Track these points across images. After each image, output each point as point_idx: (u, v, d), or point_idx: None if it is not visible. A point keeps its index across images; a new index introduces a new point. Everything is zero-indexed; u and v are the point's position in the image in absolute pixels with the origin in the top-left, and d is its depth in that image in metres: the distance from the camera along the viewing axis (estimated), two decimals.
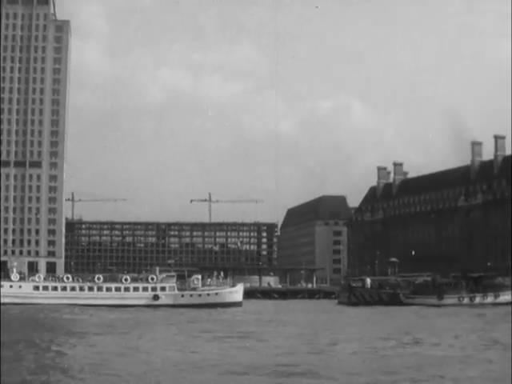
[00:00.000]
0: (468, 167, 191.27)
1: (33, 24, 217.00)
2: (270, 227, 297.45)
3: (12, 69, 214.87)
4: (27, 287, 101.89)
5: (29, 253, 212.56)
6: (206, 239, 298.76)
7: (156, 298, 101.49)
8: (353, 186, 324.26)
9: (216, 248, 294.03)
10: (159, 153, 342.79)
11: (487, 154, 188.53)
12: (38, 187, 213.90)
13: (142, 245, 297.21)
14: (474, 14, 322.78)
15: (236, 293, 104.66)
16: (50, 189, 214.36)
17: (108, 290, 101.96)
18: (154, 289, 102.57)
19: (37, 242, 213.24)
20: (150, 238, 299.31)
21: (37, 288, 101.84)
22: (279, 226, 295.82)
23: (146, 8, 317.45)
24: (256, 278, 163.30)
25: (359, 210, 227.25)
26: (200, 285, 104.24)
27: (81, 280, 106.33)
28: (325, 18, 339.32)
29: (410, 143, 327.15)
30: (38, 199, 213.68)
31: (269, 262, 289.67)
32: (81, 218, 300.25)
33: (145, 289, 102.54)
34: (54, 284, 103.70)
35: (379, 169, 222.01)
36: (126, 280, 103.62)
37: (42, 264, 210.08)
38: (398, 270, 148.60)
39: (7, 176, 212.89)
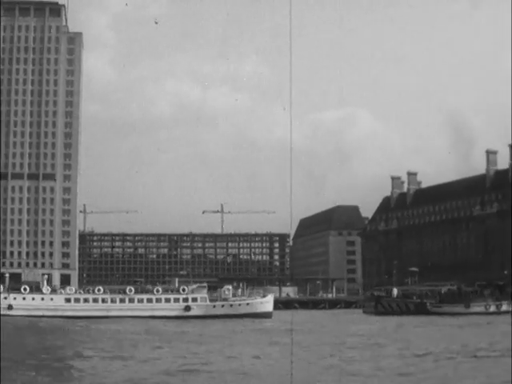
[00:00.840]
0: (483, 176, 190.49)
1: (45, 36, 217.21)
2: (282, 237, 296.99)
3: (25, 81, 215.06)
4: (59, 299, 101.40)
5: (43, 265, 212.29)
6: (218, 250, 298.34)
7: (188, 309, 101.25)
8: (362, 196, 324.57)
9: (230, 259, 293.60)
10: (170, 164, 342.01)
11: (502, 163, 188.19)
12: (52, 199, 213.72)
13: (154, 256, 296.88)
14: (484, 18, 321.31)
15: (267, 303, 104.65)
16: (63, 201, 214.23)
17: (140, 301, 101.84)
18: (185, 300, 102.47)
19: (51, 255, 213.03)
20: (162, 250, 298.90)
21: (68, 300, 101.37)
22: (291, 236, 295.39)
23: (153, 20, 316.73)
24: (274, 288, 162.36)
25: (373, 219, 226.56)
26: (231, 295, 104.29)
27: (109, 292, 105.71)
28: (332, 29, 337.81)
29: (418, 153, 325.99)
30: (51, 211, 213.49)
31: (281, 272, 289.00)
32: (92, 229, 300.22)
33: (176, 300, 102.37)
34: (86, 296, 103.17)
35: (393, 178, 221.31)
36: (157, 291, 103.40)
37: (56, 276, 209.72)
38: (417, 279, 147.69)
39: (21, 188, 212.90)
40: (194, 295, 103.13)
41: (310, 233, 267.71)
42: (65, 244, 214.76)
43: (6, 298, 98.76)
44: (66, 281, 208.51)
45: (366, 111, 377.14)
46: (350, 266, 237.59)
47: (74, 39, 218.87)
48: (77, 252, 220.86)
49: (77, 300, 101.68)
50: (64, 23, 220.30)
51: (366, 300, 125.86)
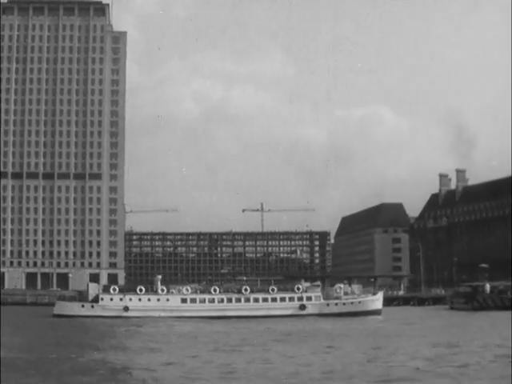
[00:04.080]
0: None
1: (90, 35, 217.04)
2: (323, 235, 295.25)
3: (70, 80, 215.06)
4: (175, 300, 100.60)
5: (90, 265, 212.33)
6: (259, 248, 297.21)
7: (302, 307, 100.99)
8: (398, 192, 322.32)
9: (273, 257, 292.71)
10: (209, 162, 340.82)
11: None
12: (99, 199, 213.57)
13: (195, 255, 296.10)
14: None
15: (377, 301, 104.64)
16: (110, 200, 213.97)
17: (255, 300, 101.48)
18: (300, 298, 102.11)
19: (98, 254, 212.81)
20: (202, 248, 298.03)
21: (185, 301, 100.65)
22: (331, 234, 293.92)
23: (178, 19, 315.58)
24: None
25: (421, 217, 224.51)
26: (342, 293, 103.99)
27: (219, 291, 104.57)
28: (353, 28, 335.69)
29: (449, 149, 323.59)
30: (98, 211, 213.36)
31: (322, 270, 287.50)
32: (131, 229, 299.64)
33: (291, 299, 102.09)
34: (202, 296, 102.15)
35: (441, 176, 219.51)
36: (272, 290, 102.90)
37: (104, 276, 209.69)
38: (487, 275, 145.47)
39: (67, 188, 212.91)
40: (309, 294, 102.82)
41: (353, 231, 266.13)
42: (112, 243, 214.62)
43: (121, 300, 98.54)
44: (113, 280, 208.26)
45: (388, 110, 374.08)
46: (395, 263, 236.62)
47: (119, 38, 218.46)
48: (123, 251, 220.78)
49: (193, 300, 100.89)
50: (108, 22, 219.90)
51: (454, 296, 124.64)
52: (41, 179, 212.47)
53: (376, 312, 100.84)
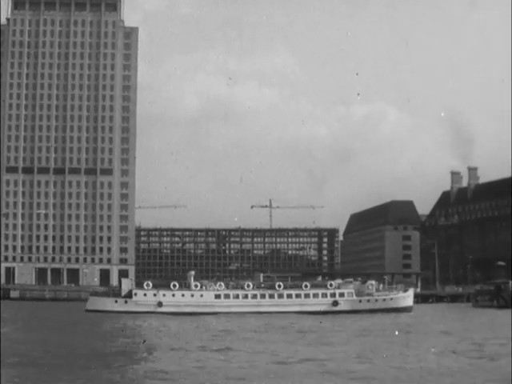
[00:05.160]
0: None
1: (101, 31, 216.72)
2: (331, 232, 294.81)
3: (81, 76, 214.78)
4: (209, 296, 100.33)
5: (100, 260, 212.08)
6: (267, 245, 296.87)
7: (335, 304, 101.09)
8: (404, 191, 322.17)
9: (280, 254, 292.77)
10: (218, 159, 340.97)
11: None
12: (110, 194, 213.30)
13: (203, 251, 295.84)
14: None
15: (408, 297, 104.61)
16: (121, 196, 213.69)
17: (289, 296, 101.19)
18: (333, 295, 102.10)
19: (109, 250, 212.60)
20: (210, 245, 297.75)
21: (218, 296, 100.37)
22: (340, 231, 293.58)
23: (182, 15, 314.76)
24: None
25: (432, 214, 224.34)
26: (374, 290, 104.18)
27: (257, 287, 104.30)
28: (359, 25, 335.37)
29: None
30: (109, 206, 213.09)
31: (330, 267, 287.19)
32: (139, 225, 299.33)
33: (324, 295, 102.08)
34: (236, 292, 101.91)
35: (452, 173, 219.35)
36: (305, 286, 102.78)
37: (115, 271, 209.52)
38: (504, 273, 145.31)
39: (78, 183, 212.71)
40: (341, 290, 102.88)
41: (362, 228, 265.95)
42: (122, 239, 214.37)
43: (155, 295, 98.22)
44: (124, 276, 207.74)
45: (393, 108, 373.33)
46: (405, 260, 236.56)
47: (130, 34, 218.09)
48: (134, 247, 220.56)
49: (227, 296, 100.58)
50: (120, 18, 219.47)
51: (478, 293, 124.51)
52: (52, 174, 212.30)
53: (407, 309, 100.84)
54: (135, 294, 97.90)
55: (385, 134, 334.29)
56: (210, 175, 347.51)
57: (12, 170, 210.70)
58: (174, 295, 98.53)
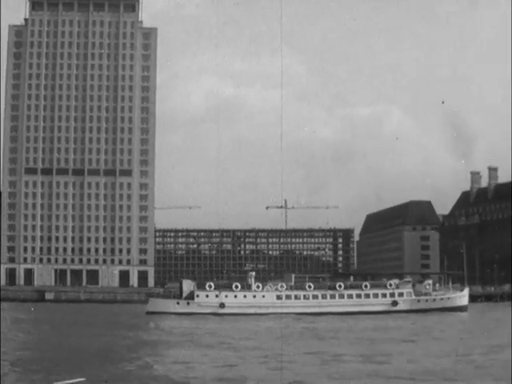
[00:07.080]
0: None
1: (120, 31, 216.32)
2: (346, 233, 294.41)
3: (100, 77, 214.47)
4: (270, 297, 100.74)
5: (120, 262, 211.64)
6: (282, 246, 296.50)
7: (394, 303, 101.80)
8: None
9: (297, 254, 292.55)
10: (231, 159, 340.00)
11: None
12: (129, 196, 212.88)
13: (218, 252, 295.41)
14: None
15: (464, 297, 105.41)
16: (140, 197, 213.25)
17: (349, 297, 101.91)
18: (392, 295, 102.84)
19: (128, 251, 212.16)
20: (225, 245, 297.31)
21: (280, 297, 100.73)
22: (356, 231, 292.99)
23: (189, 17, 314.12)
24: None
25: (451, 214, 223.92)
26: (431, 290, 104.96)
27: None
28: (363, 27, 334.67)
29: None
30: (128, 208, 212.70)
31: (346, 267, 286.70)
32: (155, 225, 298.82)
33: (384, 295, 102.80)
34: (297, 293, 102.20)
35: (472, 173, 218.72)
36: (365, 286, 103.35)
37: (134, 273, 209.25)
38: None
39: (97, 185, 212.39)
40: (400, 290, 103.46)
41: (379, 228, 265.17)
42: (142, 240, 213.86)
43: (217, 296, 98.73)
44: (144, 278, 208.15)
45: (398, 109, 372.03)
46: (423, 261, 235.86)
47: (149, 34, 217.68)
48: (153, 248, 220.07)
49: (288, 297, 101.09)
50: (139, 18, 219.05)
51: None
52: (71, 175, 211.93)
53: (463, 308, 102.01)
54: (197, 296, 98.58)
55: (391, 133, 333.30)
56: (225, 176, 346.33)
57: (31, 171, 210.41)
58: (236, 296, 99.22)
